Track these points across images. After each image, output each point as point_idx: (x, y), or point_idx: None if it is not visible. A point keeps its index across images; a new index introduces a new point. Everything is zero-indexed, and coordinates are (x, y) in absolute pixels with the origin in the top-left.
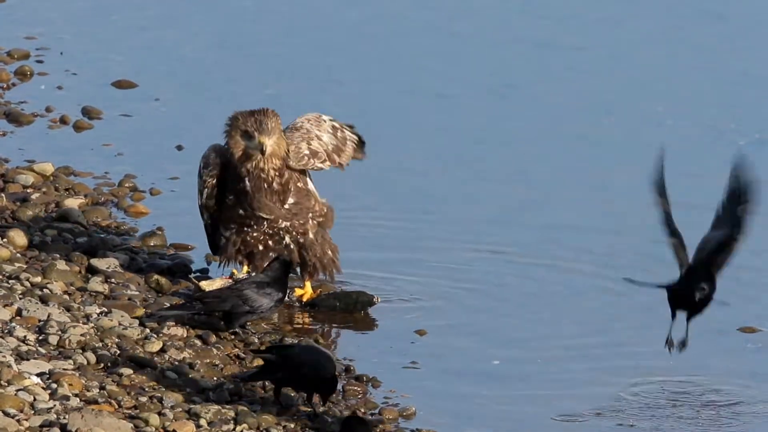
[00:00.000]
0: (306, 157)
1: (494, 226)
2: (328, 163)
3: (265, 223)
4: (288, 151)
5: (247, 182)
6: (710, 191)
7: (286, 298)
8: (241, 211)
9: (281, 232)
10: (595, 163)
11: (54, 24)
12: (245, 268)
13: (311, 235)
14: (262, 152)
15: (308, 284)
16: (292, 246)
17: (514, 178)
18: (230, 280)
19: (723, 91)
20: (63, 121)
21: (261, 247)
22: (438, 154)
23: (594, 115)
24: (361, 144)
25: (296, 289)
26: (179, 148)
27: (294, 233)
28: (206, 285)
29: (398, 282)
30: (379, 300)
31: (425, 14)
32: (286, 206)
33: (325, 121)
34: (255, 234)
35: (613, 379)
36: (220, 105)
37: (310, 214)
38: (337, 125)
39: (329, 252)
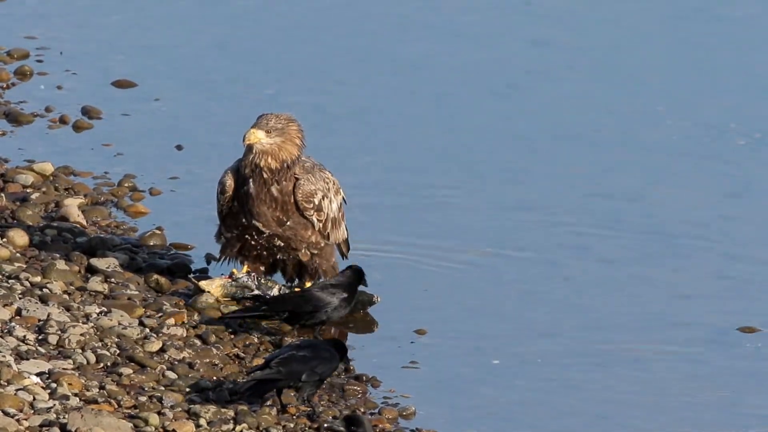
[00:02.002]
0: (312, 204)
1: (494, 225)
2: (319, 226)
3: (263, 235)
4: (292, 161)
5: (250, 183)
6: (710, 191)
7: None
8: (243, 220)
9: (274, 249)
10: (595, 163)
11: (54, 24)
12: (245, 267)
13: (305, 259)
14: (244, 139)
15: (308, 284)
16: (287, 261)
17: (514, 177)
18: (230, 280)
19: (723, 91)
20: (63, 120)
21: (255, 253)
22: (438, 154)
23: (594, 115)
24: (347, 244)
25: (296, 289)
26: (179, 148)
27: (288, 254)
28: (205, 285)
29: (398, 281)
30: (380, 299)
31: (426, 14)
32: (289, 223)
33: (340, 194)
34: (253, 243)
35: (614, 379)
36: (220, 105)
37: (305, 244)
38: (342, 207)
39: (331, 260)
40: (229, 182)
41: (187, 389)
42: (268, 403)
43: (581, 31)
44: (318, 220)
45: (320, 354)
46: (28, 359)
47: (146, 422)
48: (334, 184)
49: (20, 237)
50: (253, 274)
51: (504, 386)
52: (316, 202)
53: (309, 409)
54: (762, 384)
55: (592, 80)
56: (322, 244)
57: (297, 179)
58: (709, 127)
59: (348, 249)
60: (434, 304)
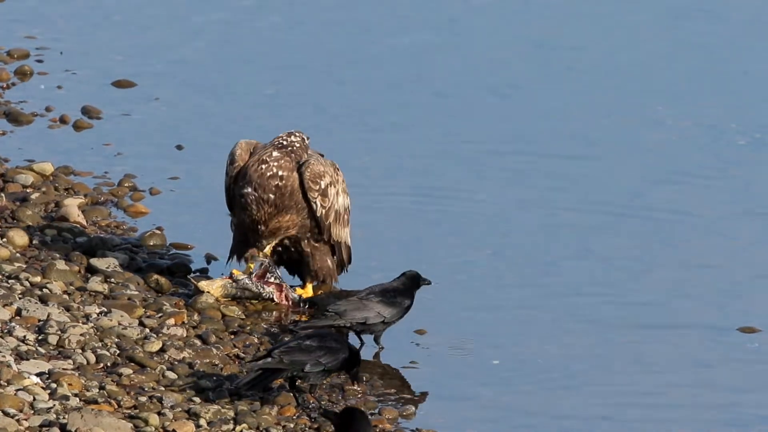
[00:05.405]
0: (318, 186)
1: (494, 225)
2: (323, 211)
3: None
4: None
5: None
6: (710, 191)
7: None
8: (241, 199)
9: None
10: (594, 163)
11: (54, 24)
12: (247, 267)
13: (308, 250)
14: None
15: (309, 284)
16: (291, 250)
17: (514, 177)
18: (230, 280)
19: (723, 91)
20: (63, 120)
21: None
22: (438, 154)
23: (594, 115)
24: (349, 252)
25: (297, 288)
26: (179, 147)
27: (288, 242)
28: (205, 285)
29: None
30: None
31: (426, 14)
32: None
33: (347, 194)
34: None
35: (614, 379)
36: (220, 105)
37: (309, 233)
38: (348, 212)
39: (328, 264)
40: (239, 152)
41: (187, 389)
42: (268, 402)
43: (581, 31)
44: (321, 206)
45: (327, 344)
46: (28, 359)
47: (146, 422)
48: (343, 181)
49: (20, 237)
50: (253, 274)
51: (504, 386)
52: (323, 186)
53: (314, 402)
54: (762, 384)
55: (591, 80)
56: (321, 243)
57: (306, 161)
58: (709, 127)
59: (350, 261)
60: (434, 304)
